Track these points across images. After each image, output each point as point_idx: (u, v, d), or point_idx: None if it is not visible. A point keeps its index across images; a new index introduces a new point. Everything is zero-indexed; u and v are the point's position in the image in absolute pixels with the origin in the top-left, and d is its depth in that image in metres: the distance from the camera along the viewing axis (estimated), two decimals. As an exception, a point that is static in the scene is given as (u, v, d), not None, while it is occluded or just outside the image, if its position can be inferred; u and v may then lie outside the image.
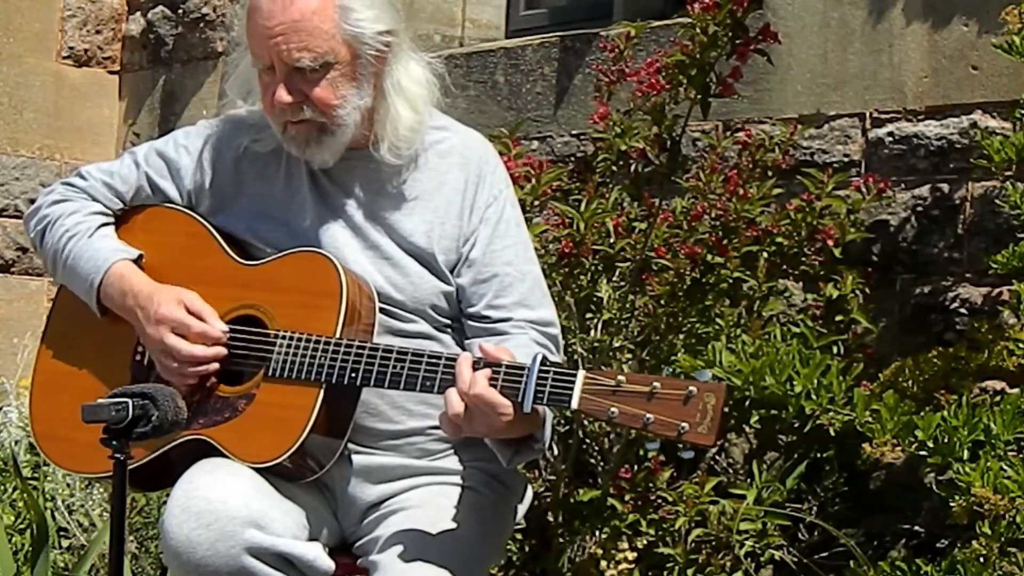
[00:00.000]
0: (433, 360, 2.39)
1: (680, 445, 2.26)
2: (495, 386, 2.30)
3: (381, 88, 2.56)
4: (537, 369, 2.30)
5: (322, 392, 2.44)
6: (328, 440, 2.48)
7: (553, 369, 2.30)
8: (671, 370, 3.74)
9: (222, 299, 2.57)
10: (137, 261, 2.64)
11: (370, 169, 2.62)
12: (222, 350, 2.52)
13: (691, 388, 2.23)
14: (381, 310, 2.54)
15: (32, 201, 2.86)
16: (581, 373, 2.28)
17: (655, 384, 2.24)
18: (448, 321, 2.63)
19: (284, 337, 2.48)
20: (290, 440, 2.42)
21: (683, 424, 2.22)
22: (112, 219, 2.72)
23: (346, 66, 2.52)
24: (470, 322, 2.62)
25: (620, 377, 2.26)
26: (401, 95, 2.58)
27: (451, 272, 2.61)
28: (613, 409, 2.25)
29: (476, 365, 2.32)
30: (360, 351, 2.43)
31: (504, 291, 2.61)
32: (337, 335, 2.45)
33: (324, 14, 2.49)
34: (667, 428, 2.23)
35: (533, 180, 3.95)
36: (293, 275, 2.54)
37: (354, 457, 2.56)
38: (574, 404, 2.27)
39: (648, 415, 2.24)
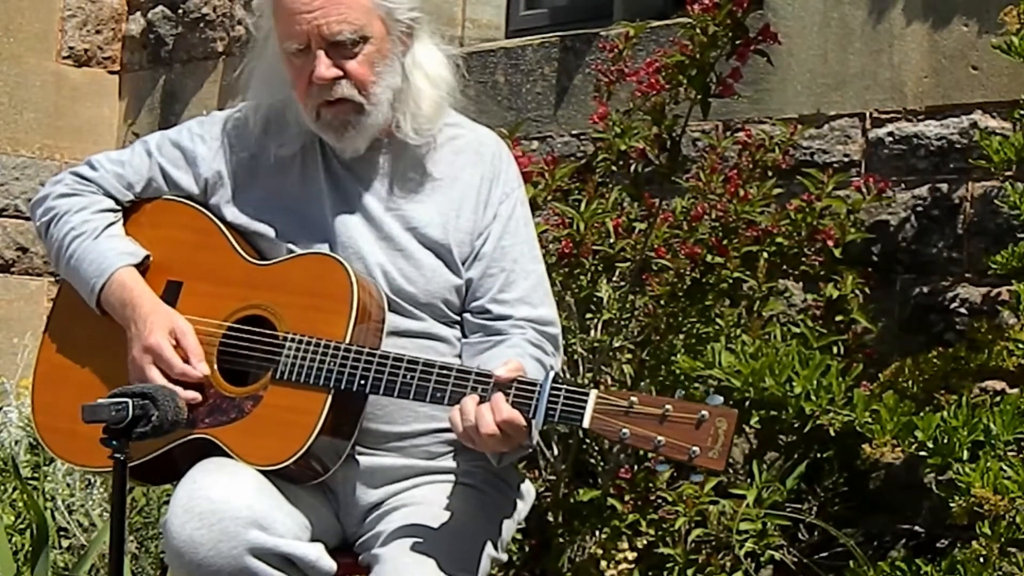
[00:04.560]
0: (444, 372, 2.39)
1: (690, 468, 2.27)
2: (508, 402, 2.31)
3: (404, 68, 2.58)
4: (549, 387, 2.30)
5: (330, 397, 2.44)
6: (334, 444, 2.48)
7: (565, 387, 2.30)
8: (672, 372, 3.74)
9: (230, 298, 2.57)
10: (143, 262, 2.64)
11: (387, 160, 2.63)
12: (196, 395, 2.50)
13: (703, 412, 2.23)
14: (391, 304, 2.55)
15: (30, 200, 2.85)
16: (593, 393, 2.29)
17: (667, 406, 2.25)
18: (456, 317, 2.63)
19: (293, 340, 2.48)
20: (297, 444, 2.42)
21: (694, 448, 2.23)
22: (120, 214, 2.70)
23: (380, 42, 2.54)
24: (470, 316, 2.62)
25: (633, 398, 2.27)
26: (422, 73, 2.60)
27: (462, 265, 2.62)
28: (625, 430, 2.26)
29: (482, 398, 2.33)
30: (370, 358, 2.43)
31: (508, 286, 2.62)
32: (347, 340, 2.45)
33: None
34: (678, 451, 2.23)
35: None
36: (303, 277, 2.53)
37: (358, 459, 2.55)
38: (585, 423, 2.28)
39: (659, 437, 2.24)
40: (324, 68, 2.50)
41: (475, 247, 2.62)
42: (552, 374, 2.33)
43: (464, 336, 2.63)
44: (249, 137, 2.67)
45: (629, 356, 3.93)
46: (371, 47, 2.53)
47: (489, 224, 2.63)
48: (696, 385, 3.57)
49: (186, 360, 2.52)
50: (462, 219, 2.62)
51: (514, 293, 2.62)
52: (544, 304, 2.66)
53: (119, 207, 2.71)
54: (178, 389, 2.47)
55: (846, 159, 4.13)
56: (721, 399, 2.26)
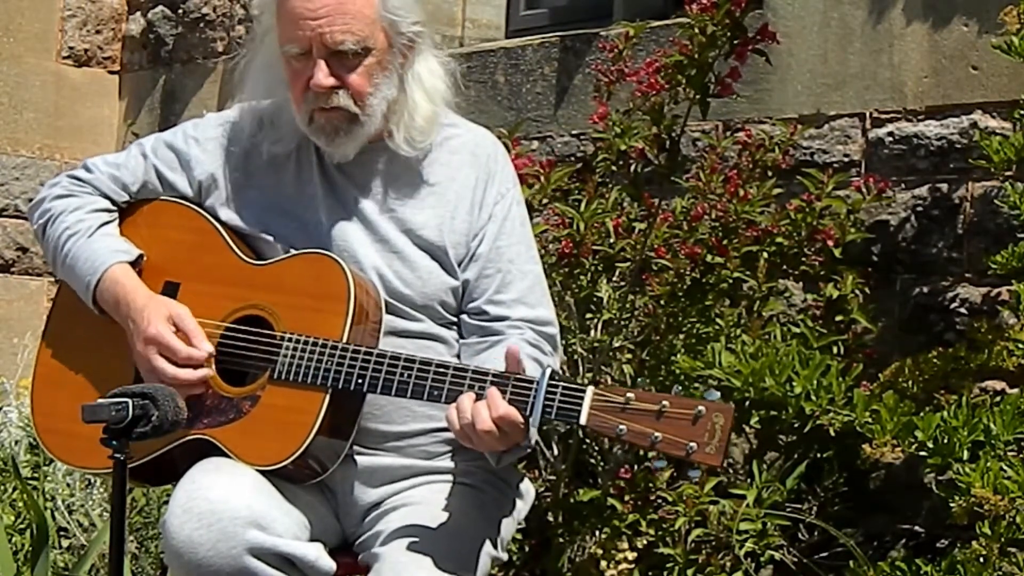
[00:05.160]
0: (441, 370, 2.39)
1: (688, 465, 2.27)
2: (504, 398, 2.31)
3: (402, 80, 2.57)
4: (546, 384, 2.30)
5: (328, 397, 2.44)
6: (332, 443, 2.48)
7: (562, 384, 2.30)
8: (672, 372, 3.74)
9: (228, 298, 2.57)
10: (137, 261, 2.64)
11: (382, 163, 2.63)
12: (208, 371, 2.51)
13: (700, 408, 2.23)
14: (388, 306, 2.55)
15: (30, 200, 2.85)
16: (590, 389, 2.29)
17: (664, 403, 2.25)
18: (454, 319, 2.63)
19: (291, 340, 2.48)
20: (295, 444, 2.42)
21: (691, 444, 2.23)
22: (115, 215, 2.71)
23: (381, 54, 2.53)
24: (467, 318, 2.62)
25: (629, 394, 2.27)
26: (420, 86, 2.59)
27: (458, 267, 2.62)
28: (621, 427, 2.26)
29: (479, 396, 2.33)
30: (367, 357, 2.43)
31: (505, 287, 2.62)
32: (344, 339, 2.45)
33: None
34: (675, 447, 2.23)
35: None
36: (300, 277, 2.53)
37: (357, 458, 2.56)
38: (582, 420, 2.28)
39: (656, 434, 2.24)
40: (323, 76, 2.50)
41: (471, 248, 2.62)
42: (548, 371, 2.33)
43: (462, 337, 2.63)
44: (243, 135, 2.67)
45: (629, 356, 3.93)
46: (372, 59, 2.52)
47: (484, 225, 2.63)
48: (696, 385, 3.57)
49: (188, 344, 2.52)
50: (457, 220, 2.62)
51: (511, 294, 2.62)
52: (541, 304, 2.66)
53: (114, 207, 2.71)
54: (187, 372, 2.48)
55: (846, 159, 4.13)
56: (718, 395, 2.26)
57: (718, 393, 2.27)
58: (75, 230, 2.65)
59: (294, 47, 2.52)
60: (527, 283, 2.64)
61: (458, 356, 2.61)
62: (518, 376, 2.34)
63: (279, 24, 2.55)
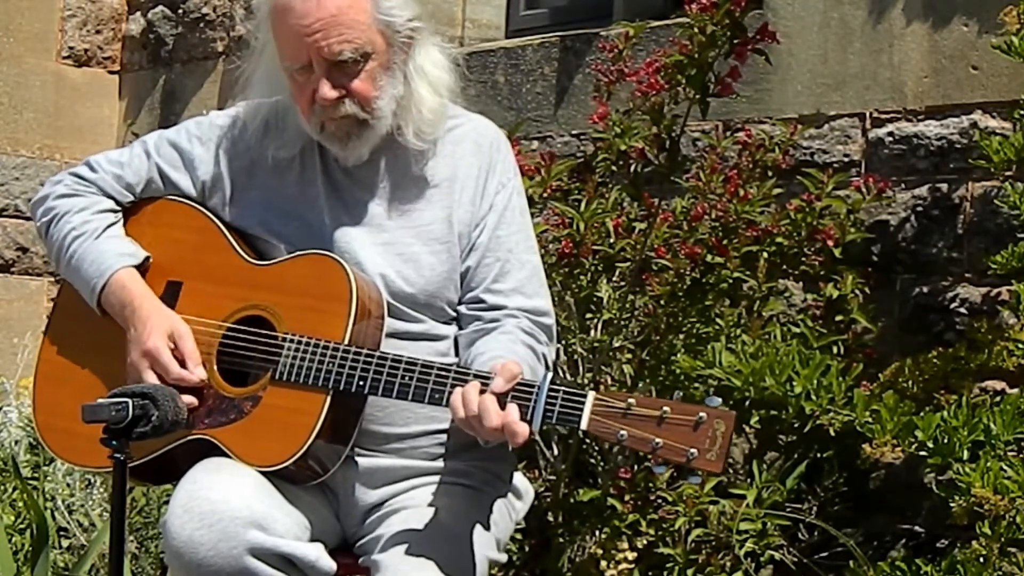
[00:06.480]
0: (442, 373, 2.39)
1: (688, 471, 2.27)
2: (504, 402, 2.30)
3: (406, 76, 2.58)
4: (547, 389, 2.30)
5: (329, 398, 2.44)
6: (333, 445, 2.47)
7: (563, 390, 2.30)
8: (672, 372, 3.74)
9: (230, 298, 2.56)
10: (143, 264, 2.63)
11: (386, 160, 2.63)
12: (193, 400, 2.49)
13: (701, 414, 2.23)
14: (391, 309, 2.55)
15: (30, 200, 2.84)
16: (591, 394, 2.29)
17: (665, 408, 2.25)
18: (455, 314, 2.63)
19: (292, 340, 2.48)
20: (296, 445, 2.42)
21: (692, 450, 2.23)
22: (120, 215, 2.70)
23: (381, 56, 2.53)
24: (465, 308, 2.62)
25: (630, 399, 2.27)
26: (424, 79, 2.59)
27: (460, 255, 2.62)
28: (622, 432, 2.25)
29: (483, 389, 2.32)
30: (369, 359, 2.43)
31: (503, 276, 2.62)
32: (346, 341, 2.45)
33: (358, 6, 2.50)
34: (676, 453, 2.23)
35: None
36: (302, 277, 2.53)
37: (358, 459, 2.55)
38: (583, 425, 2.28)
39: (657, 440, 2.24)
40: (327, 90, 2.50)
41: (472, 238, 2.62)
42: (550, 375, 2.33)
43: (460, 329, 2.63)
44: (247, 138, 2.67)
45: (629, 356, 3.94)
46: (373, 63, 2.52)
47: (485, 215, 2.63)
48: (696, 385, 3.58)
49: (183, 364, 2.52)
50: (462, 211, 2.62)
51: (508, 283, 2.61)
52: (539, 295, 2.65)
53: (119, 207, 2.71)
54: None
55: (846, 159, 4.14)
56: (719, 401, 2.26)
57: (719, 399, 2.27)
58: (81, 231, 2.65)
59: (295, 63, 2.52)
60: (525, 273, 2.64)
61: (456, 345, 2.60)
62: (520, 381, 2.33)
63: (277, 42, 2.54)
